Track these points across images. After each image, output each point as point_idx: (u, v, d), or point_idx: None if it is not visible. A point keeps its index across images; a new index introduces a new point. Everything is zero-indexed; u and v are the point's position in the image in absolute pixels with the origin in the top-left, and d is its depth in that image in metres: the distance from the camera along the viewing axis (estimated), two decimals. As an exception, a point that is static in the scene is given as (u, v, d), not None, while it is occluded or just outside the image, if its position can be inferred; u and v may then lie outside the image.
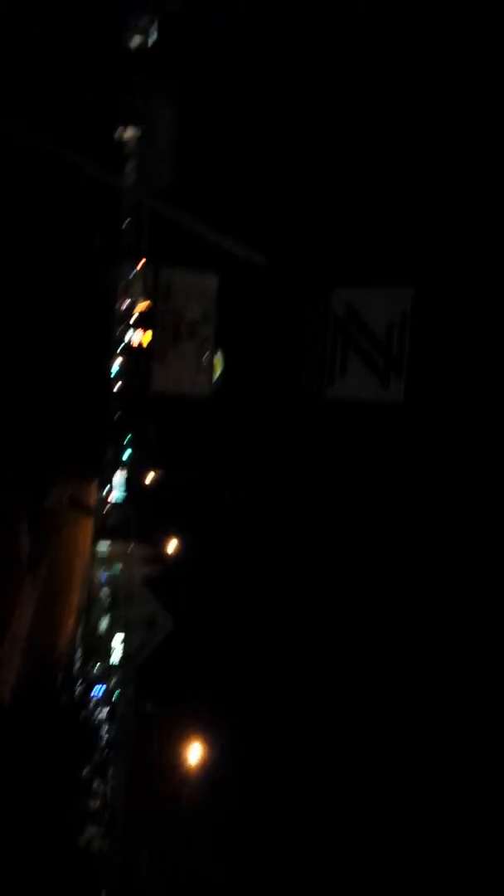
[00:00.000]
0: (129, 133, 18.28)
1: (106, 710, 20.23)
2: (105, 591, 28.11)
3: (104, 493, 40.15)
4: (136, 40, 15.59)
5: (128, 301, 38.42)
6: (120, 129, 15.92)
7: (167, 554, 27.59)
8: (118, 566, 30.06)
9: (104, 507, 39.03)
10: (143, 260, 22.00)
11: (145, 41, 15.99)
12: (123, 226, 21.53)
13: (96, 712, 20.57)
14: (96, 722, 20.20)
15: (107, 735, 19.63)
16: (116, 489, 44.81)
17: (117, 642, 24.54)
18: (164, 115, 18.47)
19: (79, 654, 17.92)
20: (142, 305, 33.66)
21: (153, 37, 15.52)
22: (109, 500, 44.33)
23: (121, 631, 24.33)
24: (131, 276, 38.34)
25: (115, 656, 20.48)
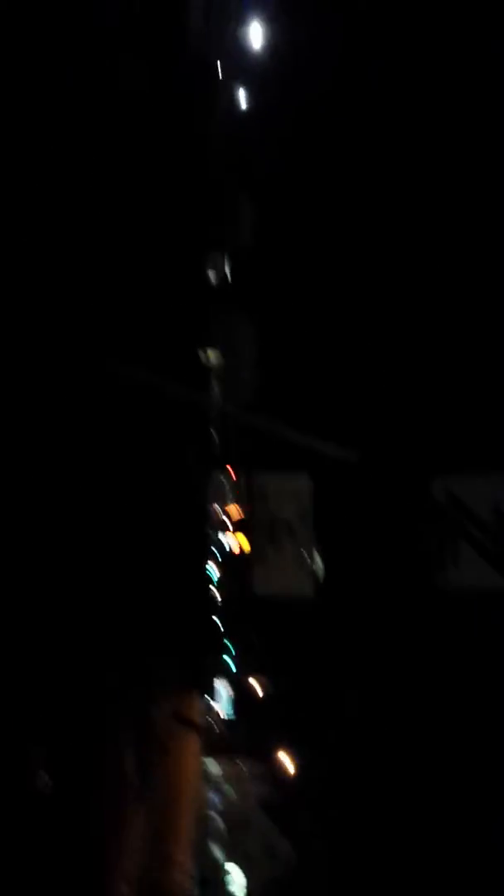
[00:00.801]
0: (213, 355, 19.78)
1: None
2: (217, 817, 26.01)
3: (210, 705, 38.32)
4: (212, 274, 17.31)
5: (222, 508, 39.31)
6: (203, 353, 17.21)
7: (283, 772, 25.65)
8: (230, 788, 27.93)
9: (211, 721, 37.03)
10: (235, 467, 22.71)
11: (222, 274, 17.72)
12: (212, 437, 22.57)
13: None
14: None
15: None
16: (223, 701, 42.85)
17: (237, 877, 22.29)
18: (243, 338, 19.99)
19: (196, 890, 16.27)
20: (236, 510, 34.28)
21: (227, 268, 17.19)
22: (216, 713, 42.34)
23: (239, 863, 22.22)
24: (224, 484, 39.56)
25: (236, 891, 18.37)
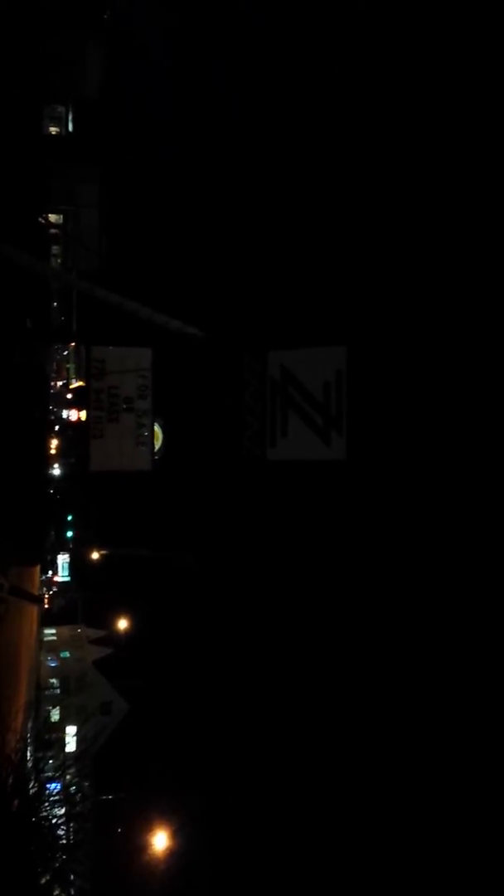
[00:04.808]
0: (53, 217, 18.52)
1: (63, 808, 19.13)
2: (55, 679, 27.02)
3: (48, 577, 39.05)
4: (53, 128, 16.08)
5: (62, 381, 38.37)
6: (43, 214, 16.12)
7: (118, 634, 26.91)
8: (67, 652, 28.90)
9: (49, 592, 37.83)
10: (75, 340, 22.17)
11: (63, 128, 16.49)
12: (52, 308, 21.58)
13: (53, 812, 19.40)
14: (54, 823, 19.02)
15: (66, 836, 18.49)
16: (60, 572, 43.88)
17: (71, 733, 23.47)
18: (86, 199, 18.86)
19: (30, 750, 16.97)
20: (76, 384, 33.68)
21: (70, 124, 16.10)
22: (54, 583, 43.34)
23: (74, 720, 23.38)
24: (64, 357, 38.36)
25: (70, 748, 19.45)
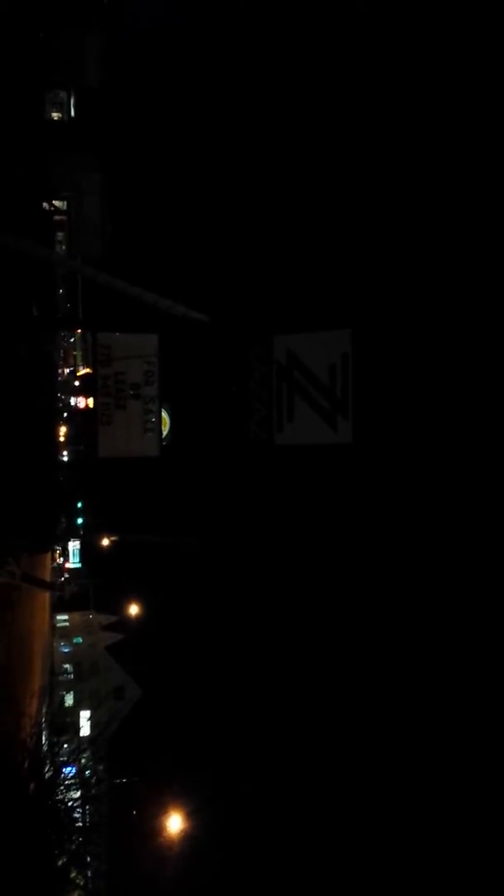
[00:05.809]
0: (57, 204, 18.48)
1: (78, 791, 19.36)
2: (68, 665, 27.31)
3: (59, 563, 39.19)
4: (55, 113, 16.04)
5: (69, 368, 38.36)
6: (47, 200, 16.08)
7: (129, 619, 27.10)
8: (79, 638, 29.06)
9: (60, 578, 37.99)
10: (81, 326, 22.19)
11: (65, 114, 16.46)
12: (58, 295, 21.61)
13: (68, 795, 19.64)
14: (70, 806, 19.26)
15: (82, 819, 18.73)
16: (71, 558, 44.11)
17: (85, 717, 23.75)
18: (89, 185, 18.86)
19: (45, 734, 17.17)
20: (83, 371, 33.71)
21: (72, 109, 16.07)
22: (65, 570, 43.54)
23: (88, 705, 23.63)
24: (71, 344, 38.31)
25: (84, 732, 19.68)
